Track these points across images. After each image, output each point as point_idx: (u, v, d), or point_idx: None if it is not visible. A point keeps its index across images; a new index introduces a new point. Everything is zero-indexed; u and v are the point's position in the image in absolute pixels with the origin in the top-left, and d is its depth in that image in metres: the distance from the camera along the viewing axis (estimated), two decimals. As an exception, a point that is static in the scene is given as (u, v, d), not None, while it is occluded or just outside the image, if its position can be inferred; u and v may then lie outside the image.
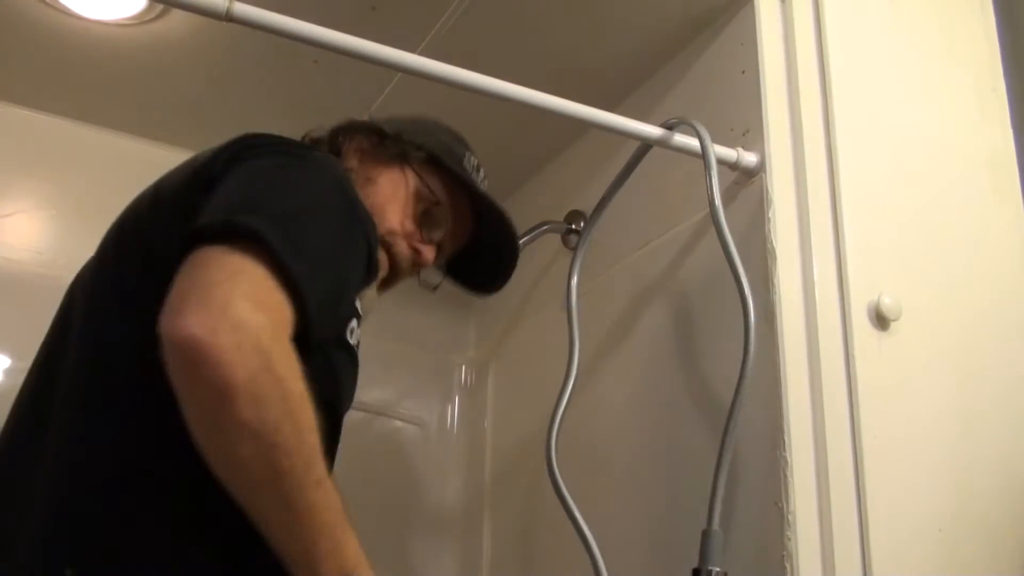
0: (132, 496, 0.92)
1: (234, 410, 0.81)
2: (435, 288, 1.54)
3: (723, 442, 1.35)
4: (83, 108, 2.09)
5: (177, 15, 1.79)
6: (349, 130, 1.35)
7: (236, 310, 0.83)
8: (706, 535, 1.31)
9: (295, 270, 0.88)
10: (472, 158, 1.39)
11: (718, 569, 1.30)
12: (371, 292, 1.17)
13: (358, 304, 1.10)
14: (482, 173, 1.40)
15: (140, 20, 1.81)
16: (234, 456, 0.84)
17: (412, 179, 1.31)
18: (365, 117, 1.38)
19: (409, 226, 1.30)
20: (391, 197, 1.29)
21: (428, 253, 1.32)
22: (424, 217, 1.32)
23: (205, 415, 0.84)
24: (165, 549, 0.92)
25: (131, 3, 1.77)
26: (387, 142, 1.32)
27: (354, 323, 1.09)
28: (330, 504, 0.88)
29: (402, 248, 1.29)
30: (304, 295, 0.88)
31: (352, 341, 1.09)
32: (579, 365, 1.72)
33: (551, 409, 1.67)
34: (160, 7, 1.76)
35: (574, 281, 1.80)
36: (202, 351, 0.80)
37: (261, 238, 0.87)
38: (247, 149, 1.04)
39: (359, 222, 1.04)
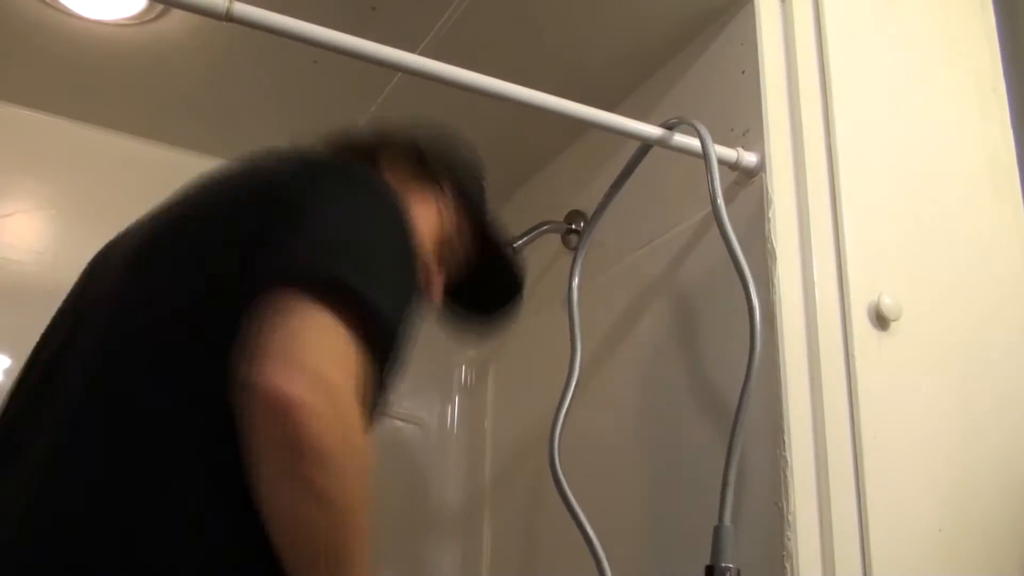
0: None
1: (314, 473, 0.80)
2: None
3: (732, 436, 1.34)
4: (83, 108, 2.09)
5: (177, 15, 1.79)
6: (391, 146, 1.27)
7: (331, 375, 0.82)
8: (718, 531, 1.31)
9: (385, 344, 0.88)
10: (485, 183, 1.35)
11: (731, 565, 1.29)
12: None
13: None
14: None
15: (140, 20, 1.81)
16: (300, 518, 0.82)
17: (443, 211, 1.26)
18: (399, 128, 1.31)
19: (428, 257, 1.24)
20: (421, 226, 1.20)
21: (439, 286, 1.28)
22: (440, 247, 1.27)
23: (280, 470, 0.82)
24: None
25: (131, 3, 1.77)
26: (425, 166, 1.26)
27: None
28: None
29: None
30: (388, 371, 0.89)
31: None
32: (580, 365, 1.72)
33: (551, 409, 1.67)
34: (160, 7, 1.76)
35: (575, 282, 1.80)
36: (294, 410, 0.79)
37: (360, 303, 0.86)
38: (326, 180, 0.99)
39: (418, 282, 1.03)
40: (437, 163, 1.27)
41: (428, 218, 1.23)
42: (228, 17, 1.21)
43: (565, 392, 1.69)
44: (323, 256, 0.89)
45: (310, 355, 0.82)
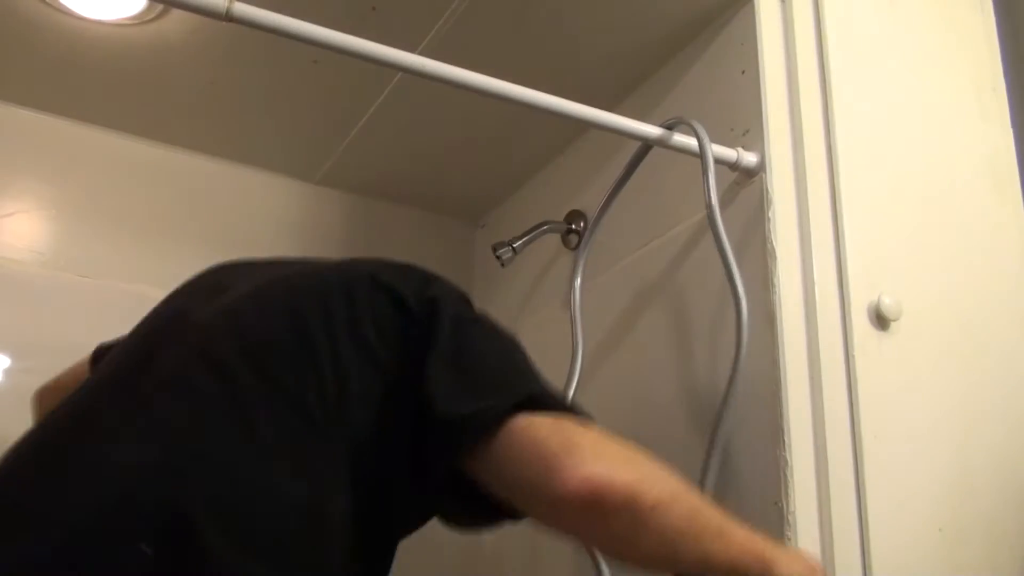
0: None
1: (652, 518, 0.94)
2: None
3: (709, 449, 1.37)
4: (83, 108, 2.08)
5: (177, 15, 1.79)
6: None
7: (602, 452, 0.97)
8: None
9: (560, 403, 1.03)
10: None
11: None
12: None
13: None
14: None
15: (140, 20, 1.81)
16: (651, 556, 0.98)
17: None
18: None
19: None
20: None
21: None
22: None
23: (622, 537, 0.96)
24: None
25: (131, 3, 1.77)
26: None
27: None
28: (731, 537, 1.00)
29: None
30: None
31: None
32: (581, 364, 1.72)
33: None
34: (160, 7, 1.76)
35: (577, 282, 1.80)
36: (612, 490, 0.93)
37: (573, 408, 1.02)
38: (448, 301, 1.06)
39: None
40: None
41: None
42: (228, 17, 1.21)
43: (566, 391, 1.69)
44: (508, 379, 1.03)
45: (583, 447, 0.95)
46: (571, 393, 1.69)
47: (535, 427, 0.96)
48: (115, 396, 0.99)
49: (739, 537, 1.02)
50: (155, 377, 0.98)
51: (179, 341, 1.02)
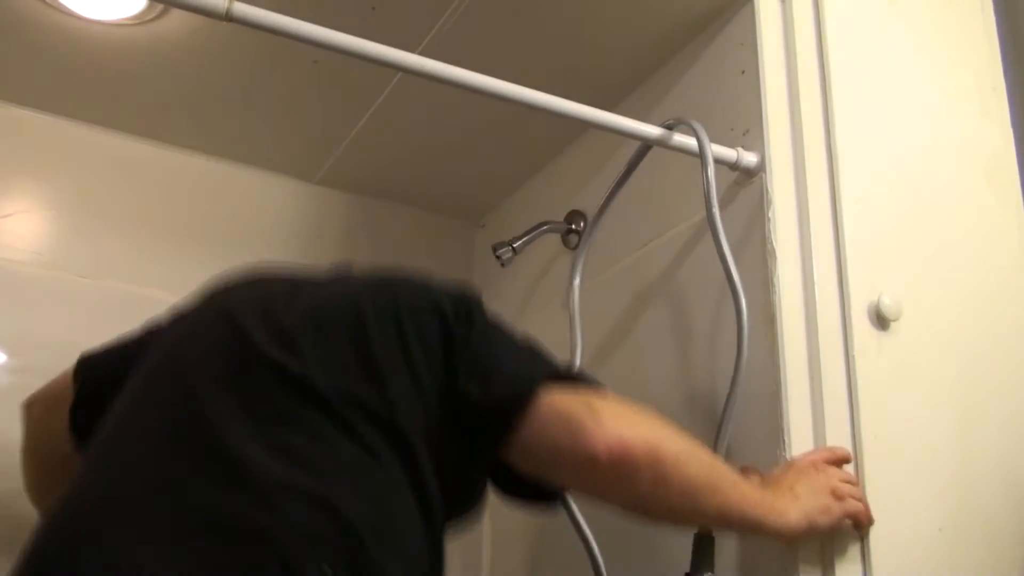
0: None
1: (673, 472, 1.08)
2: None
3: (714, 446, 1.36)
4: (83, 108, 2.09)
5: (177, 15, 1.79)
6: None
7: (623, 414, 1.09)
8: (698, 538, 1.32)
9: (580, 376, 1.16)
10: None
11: (710, 575, 1.30)
12: None
13: None
14: None
15: (140, 20, 1.81)
16: (675, 510, 1.13)
17: None
18: None
19: None
20: None
21: None
22: None
23: (648, 491, 1.08)
24: None
25: (131, 3, 1.77)
26: None
27: None
28: (743, 488, 1.15)
29: None
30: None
31: None
32: (580, 364, 1.72)
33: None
34: (160, 7, 1.77)
35: (576, 281, 1.80)
36: (637, 446, 1.05)
37: (586, 378, 1.15)
38: (479, 312, 1.15)
39: None
40: None
41: None
42: (228, 17, 1.21)
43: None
44: (532, 364, 1.14)
45: (603, 412, 1.06)
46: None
47: (561, 398, 1.07)
48: (226, 425, 0.99)
49: (749, 488, 1.16)
50: (254, 411, 1.01)
51: (253, 372, 1.04)
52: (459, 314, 1.12)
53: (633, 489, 1.08)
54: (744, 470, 1.29)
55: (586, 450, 1.03)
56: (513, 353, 1.15)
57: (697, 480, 1.10)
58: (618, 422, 1.06)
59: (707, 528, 1.30)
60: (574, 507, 1.56)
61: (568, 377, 1.11)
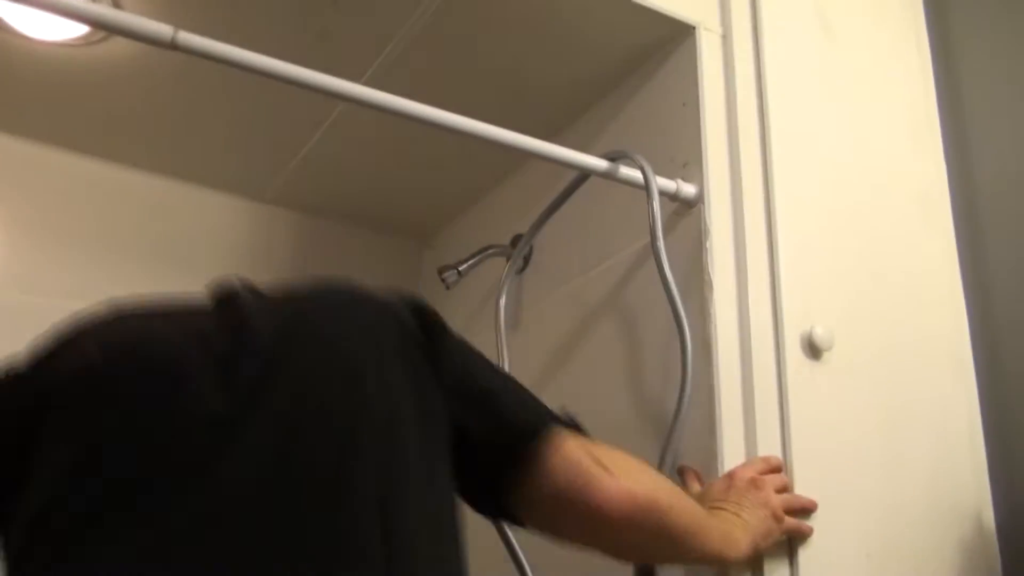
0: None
1: (668, 522, 1.11)
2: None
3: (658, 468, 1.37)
4: (29, 126, 2.08)
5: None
6: None
7: (624, 466, 1.09)
8: (637, 569, 1.34)
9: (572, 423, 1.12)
10: None
11: None
12: None
13: None
14: None
15: (87, 41, 1.81)
16: (666, 553, 1.19)
17: None
18: None
19: None
20: None
21: None
22: None
23: (648, 539, 1.11)
24: None
25: (77, 24, 1.76)
26: None
27: None
28: (709, 532, 1.18)
29: None
30: None
31: None
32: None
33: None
34: (108, 28, 1.76)
35: (502, 301, 1.83)
36: (642, 497, 1.06)
37: (579, 423, 1.12)
38: (442, 329, 1.08)
39: None
40: None
41: None
42: (173, 46, 1.21)
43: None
44: (525, 406, 1.10)
45: (606, 463, 1.06)
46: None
47: (569, 443, 1.06)
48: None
49: (714, 523, 1.20)
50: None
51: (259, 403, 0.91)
52: (427, 330, 1.05)
53: (632, 539, 1.10)
54: (683, 471, 1.35)
55: (598, 503, 1.04)
56: (509, 383, 1.13)
57: (687, 527, 1.14)
58: (626, 477, 1.06)
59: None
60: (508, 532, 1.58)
61: (570, 421, 1.11)
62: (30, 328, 1.91)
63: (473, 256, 2.01)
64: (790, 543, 1.35)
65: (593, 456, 1.06)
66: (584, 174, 1.67)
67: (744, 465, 1.35)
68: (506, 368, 1.78)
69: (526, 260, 2.00)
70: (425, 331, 1.04)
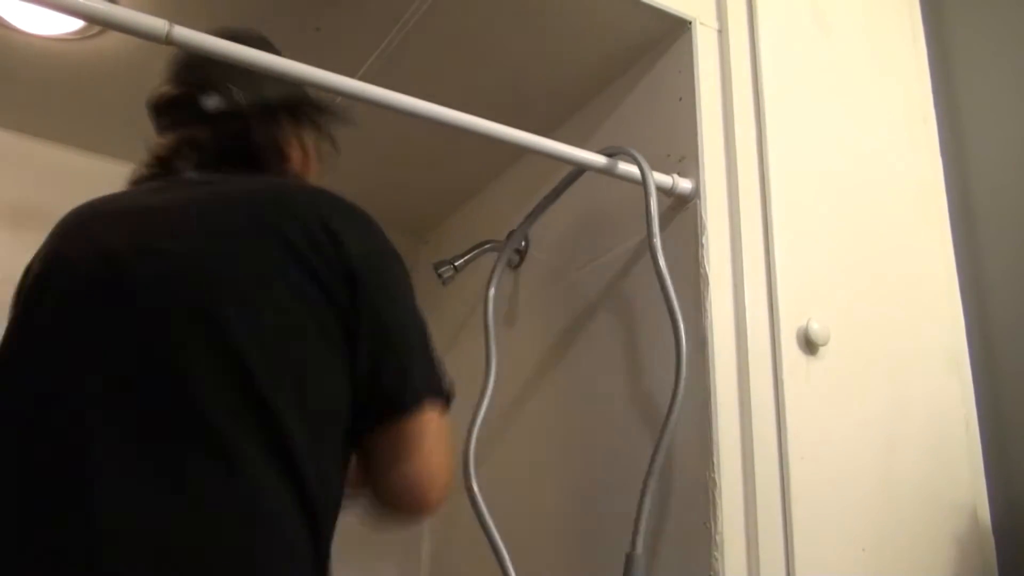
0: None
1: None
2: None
3: (649, 469, 1.38)
4: (24, 120, 2.08)
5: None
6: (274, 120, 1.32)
7: (449, 478, 1.11)
8: (629, 559, 1.34)
9: None
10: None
11: None
12: None
13: None
14: None
15: (82, 35, 1.81)
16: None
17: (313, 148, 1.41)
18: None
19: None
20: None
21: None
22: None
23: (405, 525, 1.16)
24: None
25: (72, 19, 1.76)
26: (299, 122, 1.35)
27: None
28: None
29: None
30: None
31: None
32: (495, 375, 1.76)
33: (491, 425, 1.69)
34: (102, 23, 1.76)
35: (491, 292, 1.83)
36: (431, 511, 1.09)
37: (448, 399, 1.12)
38: (383, 255, 1.19)
39: None
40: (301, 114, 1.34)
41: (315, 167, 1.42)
42: (168, 40, 1.21)
43: (479, 407, 1.72)
44: (424, 367, 1.11)
45: (445, 475, 1.10)
46: (484, 406, 1.72)
47: (434, 428, 1.08)
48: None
49: None
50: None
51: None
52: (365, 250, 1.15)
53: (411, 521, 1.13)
54: None
55: (417, 503, 1.08)
56: (418, 340, 1.13)
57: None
58: (446, 490, 1.09)
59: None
60: (487, 517, 1.59)
61: (443, 393, 1.11)
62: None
63: (469, 251, 2.01)
64: (785, 537, 1.35)
65: (441, 461, 1.09)
66: (580, 169, 1.67)
67: None
68: (494, 365, 1.78)
69: (522, 256, 2.00)
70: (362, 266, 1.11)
